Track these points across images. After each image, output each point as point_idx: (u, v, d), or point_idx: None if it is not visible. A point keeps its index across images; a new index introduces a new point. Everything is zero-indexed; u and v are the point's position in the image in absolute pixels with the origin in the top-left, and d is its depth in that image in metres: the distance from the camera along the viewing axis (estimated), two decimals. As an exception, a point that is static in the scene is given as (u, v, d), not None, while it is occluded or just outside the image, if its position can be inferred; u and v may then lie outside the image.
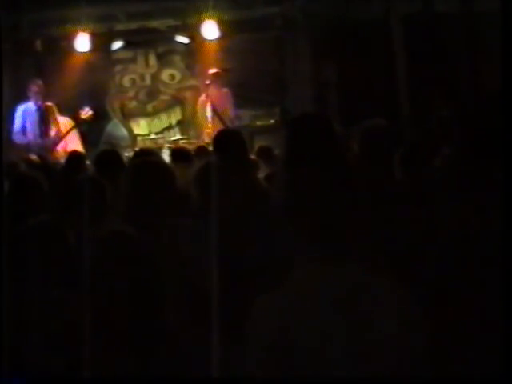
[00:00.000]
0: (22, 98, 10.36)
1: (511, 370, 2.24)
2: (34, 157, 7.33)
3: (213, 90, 10.82)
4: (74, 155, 7.43)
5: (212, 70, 11.15)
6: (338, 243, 2.37)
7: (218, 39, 12.26)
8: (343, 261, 2.36)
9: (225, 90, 10.97)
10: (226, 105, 10.83)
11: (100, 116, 11.49)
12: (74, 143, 10.52)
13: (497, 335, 2.34)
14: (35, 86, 10.17)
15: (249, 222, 3.58)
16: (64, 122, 10.65)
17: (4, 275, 2.64)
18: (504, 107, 3.00)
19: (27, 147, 9.74)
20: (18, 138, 10.14)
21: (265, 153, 7.81)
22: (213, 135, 10.14)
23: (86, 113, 10.65)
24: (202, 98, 11.16)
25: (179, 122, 13.27)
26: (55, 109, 10.30)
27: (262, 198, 4.08)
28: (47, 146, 10.01)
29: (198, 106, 11.33)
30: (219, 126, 10.36)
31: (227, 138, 4.93)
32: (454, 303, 2.85)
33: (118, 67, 13.38)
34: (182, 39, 12.77)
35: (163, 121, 13.28)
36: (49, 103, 10.21)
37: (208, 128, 10.67)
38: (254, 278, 3.10)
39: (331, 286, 2.31)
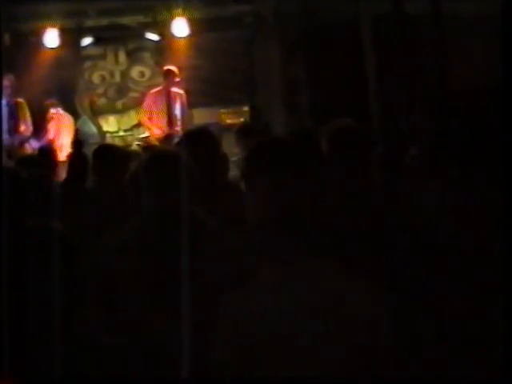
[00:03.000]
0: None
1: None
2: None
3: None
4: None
5: (166, 67, 11.16)
6: (302, 240, 2.38)
7: (189, 37, 12.24)
8: (307, 257, 2.37)
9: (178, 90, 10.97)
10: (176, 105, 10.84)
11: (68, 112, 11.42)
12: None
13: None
14: (6, 81, 10.08)
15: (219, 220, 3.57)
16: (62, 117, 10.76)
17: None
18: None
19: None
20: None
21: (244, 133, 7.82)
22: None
23: (58, 111, 10.65)
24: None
25: (148, 120, 13.24)
26: (25, 105, 10.22)
27: (233, 197, 4.09)
28: (16, 142, 9.94)
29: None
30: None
31: (198, 135, 4.93)
32: (440, 304, 2.88)
33: (88, 64, 13.31)
34: (152, 36, 12.72)
35: (132, 118, 13.22)
36: (19, 99, 10.14)
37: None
38: (221, 278, 3.09)
39: (293, 284, 2.32)
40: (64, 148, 10.59)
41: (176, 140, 9.14)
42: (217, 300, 2.39)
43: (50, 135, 10.83)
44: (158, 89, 11.05)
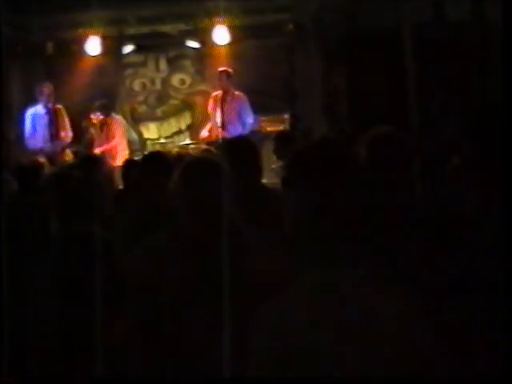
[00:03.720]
0: (33, 100, 10.37)
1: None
2: (42, 159, 7.33)
3: (226, 90, 10.77)
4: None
5: (221, 68, 11.11)
6: (341, 248, 2.36)
7: (229, 44, 12.26)
8: (346, 265, 2.35)
9: (239, 93, 10.89)
10: (241, 109, 10.77)
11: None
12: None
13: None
14: (46, 89, 10.16)
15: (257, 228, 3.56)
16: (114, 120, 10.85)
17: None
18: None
19: (38, 151, 9.73)
20: (29, 143, 10.13)
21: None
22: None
23: (98, 117, 10.69)
24: (215, 94, 11.09)
25: (189, 127, 13.29)
26: (64, 111, 10.30)
27: (272, 205, 4.08)
28: (56, 148, 10.01)
29: (210, 101, 11.24)
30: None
31: (239, 145, 4.95)
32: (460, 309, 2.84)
33: (129, 71, 13.42)
34: (193, 44, 12.77)
35: (173, 125, 13.30)
36: (58, 106, 10.21)
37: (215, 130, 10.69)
38: (260, 284, 3.08)
39: (331, 291, 2.31)
40: (120, 153, 10.66)
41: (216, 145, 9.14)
42: (255, 308, 2.38)
43: (114, 140, 10.92)
44: (218, 91, 11.00)
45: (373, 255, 2.45)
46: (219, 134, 10.46)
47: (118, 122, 11.24)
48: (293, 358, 2.26)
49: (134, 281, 2.97)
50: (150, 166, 5.58)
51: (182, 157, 6.82)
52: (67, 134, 10.30)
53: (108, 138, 10.87)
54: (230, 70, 10.89)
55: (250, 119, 10.66)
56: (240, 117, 10.62)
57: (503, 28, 3.29)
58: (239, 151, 4.79)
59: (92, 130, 10.86)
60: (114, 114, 11.40)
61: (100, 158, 7.36)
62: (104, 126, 10.93)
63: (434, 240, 3.43)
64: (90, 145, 10.79)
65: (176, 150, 11.18)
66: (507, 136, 3.02)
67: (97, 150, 10.52)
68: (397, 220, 3.37)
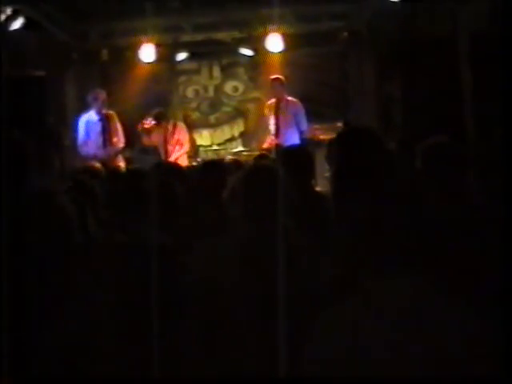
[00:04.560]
0: (87, 107, 10.46)
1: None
2: (97, 165, 7.36)
3: (280, 97, 10.73)
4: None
5: (274, 76, 11.01)
6: (399, 256, 2.34)
7: (282, 52, 12.25)
8: (406, 274, 2.33)
9: (295, 100, 10.83)
10: (298, 115, 10.72)
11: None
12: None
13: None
14: (101, 94, 10.23)
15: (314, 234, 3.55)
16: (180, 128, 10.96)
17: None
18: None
19: (91, 157, 9.80)
20: (82, 149, 10.20)
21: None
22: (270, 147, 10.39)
23: (150, 123, 10.75)
24: (269, 102, 11.02)
25: (242, 134, 13.33)
26: (116, 117, 10.37)
27: (326, 213, 4.06)
28: (110, 154, 10.08)
29: (265, 110, 11.18)
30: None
31: (294, 154, 4.96)
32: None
33: (182, 78, 13.51)
34: (247, 51, 12.80)
35: (225, 132, 13.35)
36: (110, 112, 10.29)
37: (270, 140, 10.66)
38: (318, 289, 3.07)
39: (395, 299, 2.28)
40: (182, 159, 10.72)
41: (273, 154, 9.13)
42: (314, 313, 2.36)
43: (184, 147, 11.02)
44: (272, 100, 10.92)
45: (428, 266, 2.42)
46: (273, 141, 10.44)
47: (184, 128, 11.31)
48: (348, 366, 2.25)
49: (195, 287, 2.98)
50: (209, 173, 5.60)
51: (238, 164, 6.83)
52: (120, 140, 10.34)
53: (178, 144, 10.95)
54: (282, 77, 10.84)
55: (304, 125, 10.61)
56: (295, 123, 10.57)
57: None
58: (295, 159, 4.80)
59: (153, 137, 10.92)
60: (178, 122, 11.46)
61: (178, 165, 7.37)
62: (174, 132, 11.00)
63: (490, 251, 3.38)
64: (156, 151, 10.89)
65: (230, 157, 11.21)
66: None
67: (172, 157, 10.60)
68: (452, 231, 3.32)
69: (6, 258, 2.65)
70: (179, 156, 10.78)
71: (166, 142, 10.88)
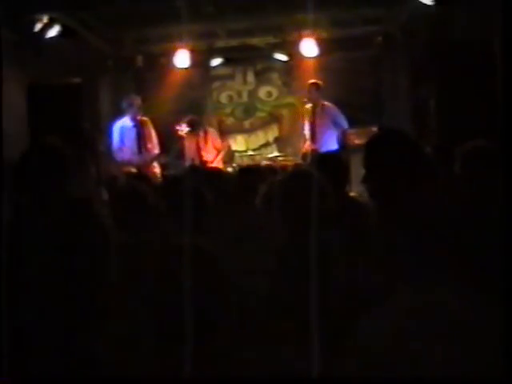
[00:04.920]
0: (122, 112, 10.50)
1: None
2: (134, 170, 7.41)
3: (316, 102, 10.73)
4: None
5: (311, 81, 11.01)
6: (433, 268, 2.32)
7: (317, 57, 12.24)
8: (440, 288, 2.30)
9: (329, 104, 10.82)
10: (336, 117, 10.71)
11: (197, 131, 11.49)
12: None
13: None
14: (136, 101, 10.28)
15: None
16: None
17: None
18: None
19: (126, 163, 9.85)
20: (118, 155, 10.24)
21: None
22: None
23: (183, 129, 10.78)
24: (306, 107, 11.02)
25: (276, 139, 13.33)
26: (150, 123, 10.41)
27: (361, 219, 4.05)
28: (146, 161, 10.12)
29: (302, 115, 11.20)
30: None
31: (329, 160, 4.96)
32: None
33: (216, 84, 13.55)
34: (281, 56, 12.81)
35: (260, 138, 13.36)
36: (144, 118, 10.33)
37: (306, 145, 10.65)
38: (352, 298, 3.06)
39: (428, 312, 2.26)
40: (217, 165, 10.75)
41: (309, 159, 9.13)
42: (348, 320, 2.35)
43: (220, 153, 11.12)
44: (308, 104, 10.94)
45: (468, 276, 2.39)
46: (309, 146, 10.43)
47: (216, 135, 11.38)
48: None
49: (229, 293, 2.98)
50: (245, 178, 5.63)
51: (273, 170, 6.82)
52: (154, 146, 10.38)
53: (212, 150, 11.02)
54: (319, 82, 10.84)
55: (345, 124, 10.62)
56: (335, 126, 10.57)
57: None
58: (329, 165, 4.80)
59: (187, 144, 10.97)
60: (210, 128, 11.51)
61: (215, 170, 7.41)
62: (206, 139, 11.06)
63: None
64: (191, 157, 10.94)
65: (265, 162, 11.23)
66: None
67: (214, 164, 10.68)
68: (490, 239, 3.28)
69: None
70: (213, 162, 10.83)
71: (199, 148, 10.92)
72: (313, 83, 10.82)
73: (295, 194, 3.38)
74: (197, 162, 10.72)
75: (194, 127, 11.01)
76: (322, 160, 5.09)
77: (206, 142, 11.02)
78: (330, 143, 10.35)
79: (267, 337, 3.04)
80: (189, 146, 10.92)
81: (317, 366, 2.51)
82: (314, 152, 9.89)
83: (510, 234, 2.61)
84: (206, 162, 10.76)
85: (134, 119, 10.20)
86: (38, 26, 9.49)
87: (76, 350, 2.52)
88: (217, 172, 6.67)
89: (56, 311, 2.57)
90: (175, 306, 2.52)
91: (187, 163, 10.67)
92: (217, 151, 11.05)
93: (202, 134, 11.07)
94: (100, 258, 2.65)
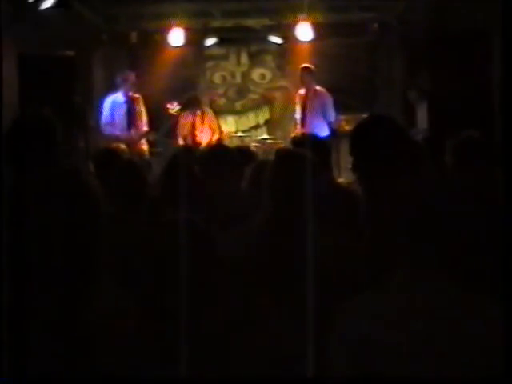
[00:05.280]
0: (114, 88, 10.45)
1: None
2: (123, 146, 7.36)
3: (308, 87, 10.67)
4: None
5: (303, 65, 10.93)
6: (427, 251, 2.32)
7: (312, 41, 12.20)
8: (433, 270, 2.30)
9: (323, 90, 10.77)
10: (326, 105, 10.65)
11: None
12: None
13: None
14: (131, 77, 10.22)
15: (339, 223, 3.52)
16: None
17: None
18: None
19: (114, 138, 9.79)
20: (106, 129, 10.19)
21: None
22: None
23: (174, 107, 10.72)
24: (300, 92, 10.98)
25: (267, 122, 13.32)
26: (142, 101, 10.36)
27: (348, 203, 4.05)
28: (134, 137, 10.07)
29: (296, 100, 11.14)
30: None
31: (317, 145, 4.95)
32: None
33: (210, 63, 13.50)
34: (276, 39, 12.76)
35: (251, 119, 13.33)
36: (136, 95, 10.27)
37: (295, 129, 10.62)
38: (344, 278, 3.05)
39: (421, 292, 2.27)
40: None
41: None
42: (341, 302, 2.35)
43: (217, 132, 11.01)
44: (302, 89, 10.88)
45: (457, 256, 2.39)
46: (299, 130, 10.38)
47: (212, 115, 11.27)
48: (372, 356, 2.24)
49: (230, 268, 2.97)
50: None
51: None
52: (143, 123, 10.32)
53: (208, 131, 10.90)
54: (312, 66, 10.79)
55: (332, 116, 10.55)
56: (323, 113, 10.52)
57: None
58: (316, 150, 4.79)
59: (181, 123, 10.87)
60: (206, 108, 11.40)
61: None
62: (203, 119, 10.94)
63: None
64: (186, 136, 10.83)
65: (254, 144, 11.20)
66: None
67: (203, 144, 10.54)
68: (482, 224, 3.28)
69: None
70: (209, 142, 10.72)
71: (194, 127, 10.84)
72: (305, 67, 10.77)
73: (287, 174, 3.37)
74: (189, 141, 10.65)
75: (187, 106, 10.94)
76: (312, 144, 5.07)
77: (202, 121, 10.91)
78: (321, 128, 10.30)
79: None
80: (183, 123, 10.84)
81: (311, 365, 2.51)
82: (304, 136, 9.84)
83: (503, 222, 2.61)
84: (199, 142, 10.65)
85: (126, 95, 10.15)
86: (33, -3, 9.41)
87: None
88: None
89: (52, 290, 2.55)
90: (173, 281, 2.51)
91: (180, 141, 10.63)
92: (212, 132, 10.95)
93: (199, 112, 10.97)
94: (91, 229, 2.62)
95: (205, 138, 10.81)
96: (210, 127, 10.93)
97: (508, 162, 2.87)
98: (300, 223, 3.15)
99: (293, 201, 3.27)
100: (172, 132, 11.00)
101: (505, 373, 2.19)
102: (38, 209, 2.62)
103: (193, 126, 10.83)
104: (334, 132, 10.30)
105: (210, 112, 11.19)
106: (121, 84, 10.16)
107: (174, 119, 10.85)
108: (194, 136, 10.74)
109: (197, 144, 10.42)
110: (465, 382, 2.20)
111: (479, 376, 2.19)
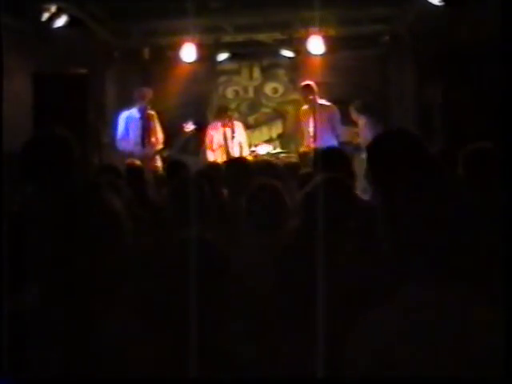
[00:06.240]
0: (128, 104, 10.49)
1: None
2: (137, 162, 7.38)
3: (312, 103, 10.64)
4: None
5: (304, 83, 10.87)
6: (441, 263, 2.32)
7: (323, 54, 12.21)
8: (446, 282, 2.31)
9: (330, 104, 10.73)
10: (333, 119, 10.61)
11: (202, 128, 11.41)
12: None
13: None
14: (148, 93, 10.25)
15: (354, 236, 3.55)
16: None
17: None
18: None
19: (128, 154, 9.81)
20: (121, 145, 10.23)
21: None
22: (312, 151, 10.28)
23: (189, 127, 10.74)
24: (303, 108, 10.95)
25: (280, 136, 13.34)
26: (156, 117, 10.40)
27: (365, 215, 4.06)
28: (149, 153, 10.10)
29: (301, 117, 11.10)
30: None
31: (333, 156, 4.95)
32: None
33: (222, 78, 13.55)
34: (287, 53, 12.78)
35: (264, 133, 13.36)
36: (151, 111, 10.31)
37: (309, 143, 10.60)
38: (359, 291, 3.06)
39: (432, 309, 2.26)
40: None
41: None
42: (354, 315, 2.36)
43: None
44: (307, 105, 10.83)
45: (469, 271, 2.39)
46: (311, 144, 10.35)
47: (243, 128, 11.24)
48: (385, 371, 2.24)
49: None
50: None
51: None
52: (158, 140, 10.36)
53: (238, 145, 10.88)
54: (311, 83, 10.68)
55: (339, 129, 10.52)
56: (331, 127, 10.48)
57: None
58: (332, 160, 4.79)
59: (214, 137, 10.84)
60: (237, 122, 11.34)
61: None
62: (233, 131, 10.91)
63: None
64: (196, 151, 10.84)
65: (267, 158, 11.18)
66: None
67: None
68: (496, 238, 3.28)
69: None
70: (240, 157, 10.61)
71: (226, 140, 10.81)
72: (305, 85, 10.66)
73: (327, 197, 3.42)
74: (220, 155, 10.59)
75: (222, 116, 10.89)
76: (324, 155, 5.07)
77: (233, 133, 10.85)
78: (332, 142, 10.28)
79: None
80: (212, 136, 10.80)
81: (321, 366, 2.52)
82: (316, 150, 9.84)
83: (510, 233, 2.61)
84: (230, 156, 10.45)
85: (141, 111, 10.19)
86: (46, 16, 9.48)
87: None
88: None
89: (66, 300, 2.57)
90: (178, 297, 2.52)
91: (209, 155, 10.60)
92: (242, 147, 10.90)
93: (229, 124, 10.95)
94: (111, 243, 2.63)
95: (236, 151, 10.79)
96: (239, 142, 10.89)
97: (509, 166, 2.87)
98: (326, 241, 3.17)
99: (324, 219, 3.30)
100: (194, 148, 11.00)
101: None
102: (58, 225, 2.64)
103: (224, 139, 10.78)
104: (344, 145, 10.26)
105: (240, 126, 11.14)
106: (137, 99, 10.20)
107: (188, 136, 10.86)
108: (226, 147, 10.69)
109: (229, 157, 10.26)
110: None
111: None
